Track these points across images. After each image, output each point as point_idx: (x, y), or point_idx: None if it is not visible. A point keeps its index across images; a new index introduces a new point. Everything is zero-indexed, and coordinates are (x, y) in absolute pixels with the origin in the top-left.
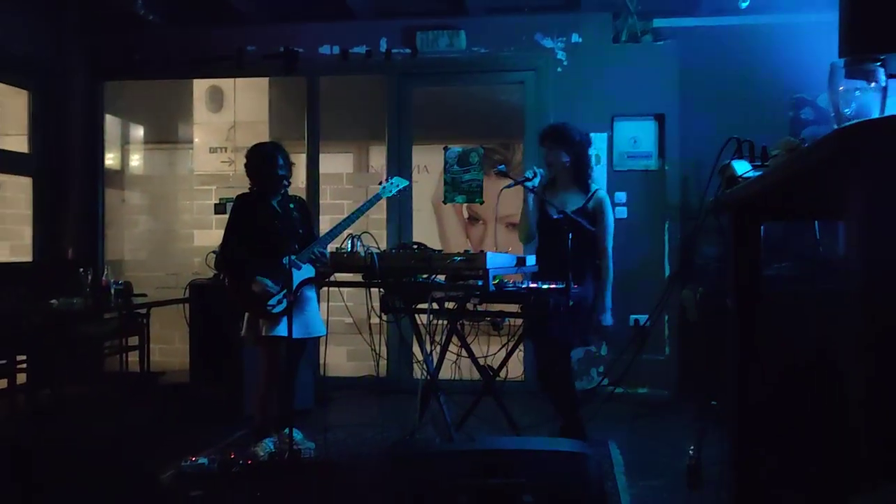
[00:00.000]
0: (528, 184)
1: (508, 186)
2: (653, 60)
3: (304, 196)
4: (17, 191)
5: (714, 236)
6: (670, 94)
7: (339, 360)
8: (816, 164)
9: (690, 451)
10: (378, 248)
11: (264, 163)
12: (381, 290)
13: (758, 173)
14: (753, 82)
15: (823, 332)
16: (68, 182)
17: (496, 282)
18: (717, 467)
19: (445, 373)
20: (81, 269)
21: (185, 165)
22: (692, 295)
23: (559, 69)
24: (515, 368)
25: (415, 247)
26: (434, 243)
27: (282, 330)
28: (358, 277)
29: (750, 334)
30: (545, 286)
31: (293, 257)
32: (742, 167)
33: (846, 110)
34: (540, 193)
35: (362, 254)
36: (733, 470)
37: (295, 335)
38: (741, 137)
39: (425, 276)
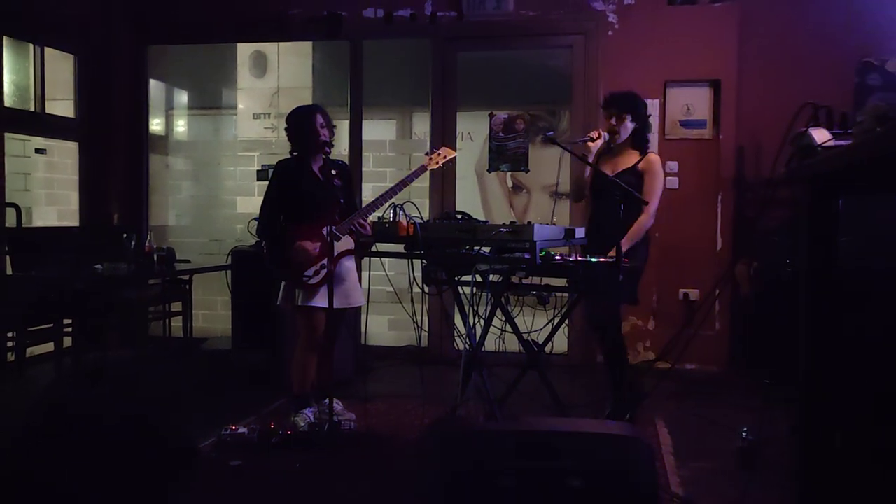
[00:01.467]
0: (590, 145)
1: (577, 142)
2: (710, 23)
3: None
4: (65, 156)
5: (772, 209)
6: (727, 59)
7: (381, 329)
8: None
9: (743, 433)
10: (421, 218)
11: (304, 126)
12: (424, 261)
13: (842, 143)
14: (816, 46)
15: None
16: (113, 147)
17: (543, 254)
18: (770, 449)
19: (489, 345)
20: (125, 235)
21: (228, 131)
22: (746, 269)
23: (610, 32)
24: (561, 343)
25: (459, 217)
26: (477, 212)
27: (319, 300)
28: (400, 247)
29: (823, 313)
30: (594, 259)
31: (333, 228)
32: (822, 136)
33: None
34: (595, 156)
35: (405, 224)
36: (800, 452)
37: (333, 305)
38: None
39: (469, 247)
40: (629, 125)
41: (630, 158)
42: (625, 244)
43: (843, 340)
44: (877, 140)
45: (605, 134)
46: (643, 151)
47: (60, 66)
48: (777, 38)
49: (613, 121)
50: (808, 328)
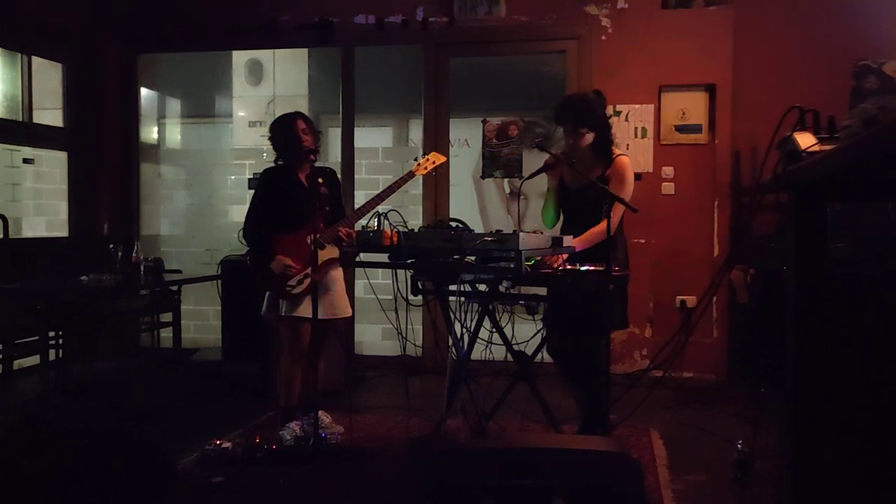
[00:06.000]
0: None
1: (532, 176)
2: (704, 27)
3: (338, 171)
4: (53, 165)
5: (768, 214)
6: (722, 63)
7: (374, 338)
8: None
9: (739, 445)
10: (405, 227)
11: (287, 134)
12: (410, 270)
13: (827, 147)
14: (812, 49)
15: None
16: (103, 157)
17: (530, 263)
18: (768, 461)
19: (478, 354)
20: (111, 246)
21: (224, 140)
22: (743, 276)
23: (603, 37)
24: None
25: (452, 224)
26: (474, 218)
27: (303, 310)
28: (385, 257)
29: (810, 324)
30: (583, 268)
31: (317, 236)
32: (806, 140)
33: None
34: (560, 172)
35: (389, 232)
36: (789, 465)
37: (319, 316)
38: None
39: (456, 256)
40: (588, 136)
41: (596, 169)
42: (578, 246)
43: (834, 349)
44: (860, 144)
45: (561, 154)
46: (609, 157)
47: (49, 76)
48: (772, 41)
49: (570, 139)
50: (796, 338)
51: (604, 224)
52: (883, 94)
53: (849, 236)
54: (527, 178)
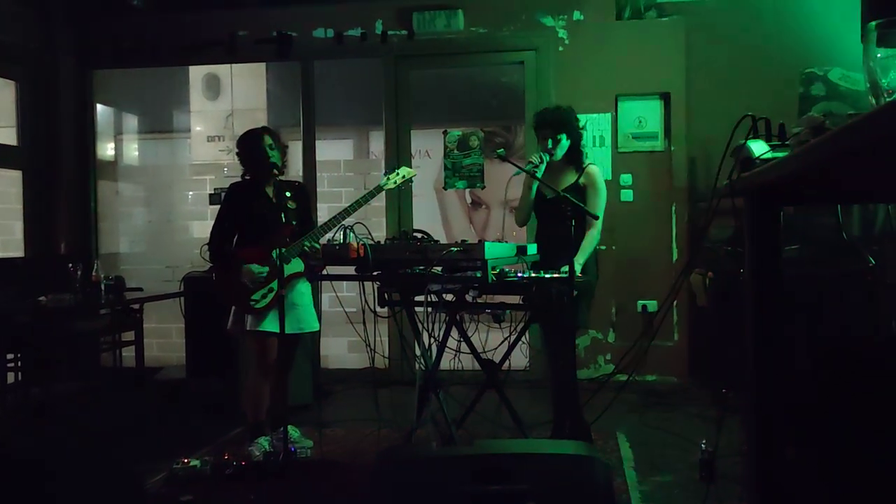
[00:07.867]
0: (536, 170)
1: (517, 174)
2: (657, 37)
3: None
4: (8, 185)
5: (724, 219)
6: (676, 72)
7: (340, 351)
8: (866, 143)
9: (703, 445)
10: (371, 239)
11: (253, 149)
12: (376, 282)
13: (778, 155)
14: (762, 58)
15: (851, 315)
16: (59, 175)
17: (496, 272)
18: (731, 460)
19: (446, 363)
20: (70, 265)
21: (181, 155)
22: (702, 279)
23: (560, 48)
24: (520, 359)
25: (416, 235)
26: (437, 229)
27: (269, 325)
28: (351, 269)
29: (768, 324)
30: (548, 275)
31: (283, 251)
32: (760, 148)
33: (884, 81)
34: (541, 178)
35: (355, 245)
36: (750, 463)
37: (286, 330)
38: (755, 115)
39: (422, 267)
40: (565, 143)
41: (569, 175)
42: (580, 260)
43: (792, 349)
44: (808, 151)
45: (546, 156)
46: (580, 165)
47: (1, 94)
48: (722, 50)
49: (549, 144)
50: (755, 338)
51: (593, 234)
52: (830, 101)
53: (802, 239)
54: (516, 174)
